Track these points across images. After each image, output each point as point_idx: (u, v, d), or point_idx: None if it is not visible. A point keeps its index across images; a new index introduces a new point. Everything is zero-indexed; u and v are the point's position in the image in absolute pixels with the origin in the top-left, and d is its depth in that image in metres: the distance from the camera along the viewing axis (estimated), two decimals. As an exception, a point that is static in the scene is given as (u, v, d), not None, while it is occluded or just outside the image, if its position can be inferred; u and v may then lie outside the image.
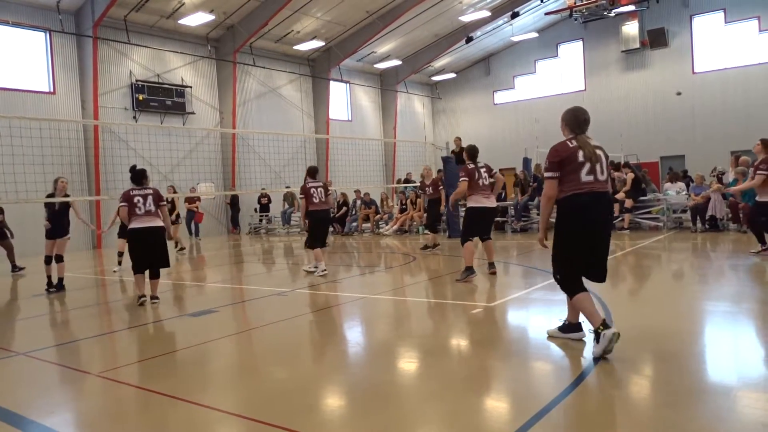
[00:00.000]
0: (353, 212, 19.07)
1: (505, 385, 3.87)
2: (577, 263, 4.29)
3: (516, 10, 24.14)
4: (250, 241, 18.27)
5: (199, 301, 7.85)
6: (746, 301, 6.11)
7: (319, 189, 9.23)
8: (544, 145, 17.87)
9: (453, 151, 16.00)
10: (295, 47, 23.47)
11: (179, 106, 20.52)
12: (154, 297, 7.19)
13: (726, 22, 23.27)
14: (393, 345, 5.06)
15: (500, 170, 12.34)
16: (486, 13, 23.61)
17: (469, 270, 7.80)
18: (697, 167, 18.53)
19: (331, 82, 25.61)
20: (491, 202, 8.04)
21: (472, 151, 8.19)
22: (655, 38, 24.41)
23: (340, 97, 27.09)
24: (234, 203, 22.07)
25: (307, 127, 25.27)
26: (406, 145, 27.81)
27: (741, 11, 22.76)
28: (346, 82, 27.07)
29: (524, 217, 15.75)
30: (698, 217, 13.09)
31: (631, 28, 24.81)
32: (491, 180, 8.01)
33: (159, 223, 7.07)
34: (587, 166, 4.15)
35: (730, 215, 12.72)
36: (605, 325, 4.02)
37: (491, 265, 8.22)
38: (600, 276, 4.35)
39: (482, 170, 7.97)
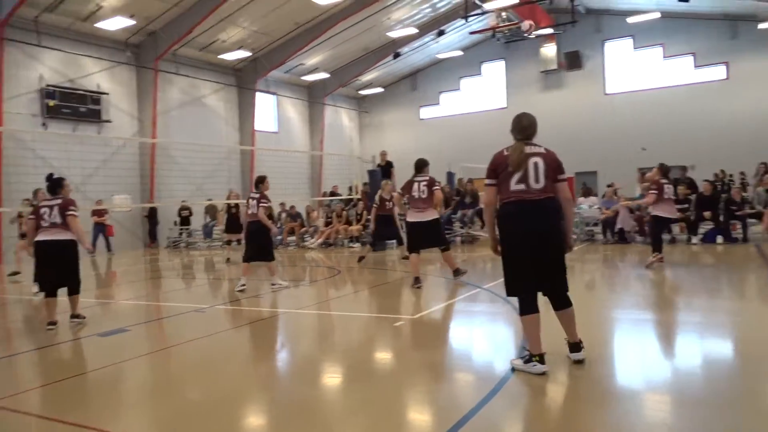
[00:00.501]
0: (278, 225, 18.76)
1: (428, 395, 3.89)
2: (521, 276, 4.08)
3: (442, 28, 24.79)
4: (168, 256, 17.55)
5: (108, 320, 7.38)
6: (651, 309, 6.48)
7: (251, 200, 8.75)
8: (468, 159, 18.52)
9: (379, 165, 16.11)
10: (221, 56, 22.96)
11: (94, 114, 19.49)
12: (75, 316, 6.63)
13: (635, 48, 24.92)
14: (316, 360, 4.98)
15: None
16: (413, 30, 24.08)
17: (416, 280, 8.04)
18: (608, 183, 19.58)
19: (258, 93, 25.21)
20: (424, 216, 7.99)
21: (417, 165, 8.25)
22: (571, 60, 25.79)
23: (266, 108, 26.69)
24: (152, 216, 21.13)
25: (232, 138, 24.69)
26: (332, 158, 27.74)
27: (647, 38, 24.43)
28: (273, 93, 26.74)
29: (447, 230, 16.04)
30: (608, 230, 13.83)
31: (549, 50, 26.07)
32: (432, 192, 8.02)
33: (65, 236, 6.41)
34: (518, 174, 4.03)
35: (637, 228, 13.51)
36: (541, 360, 3.98)
37: (456, 271, 8.43)
38: (550, 290, 4.16)
39: (422, 184, 7.99)
